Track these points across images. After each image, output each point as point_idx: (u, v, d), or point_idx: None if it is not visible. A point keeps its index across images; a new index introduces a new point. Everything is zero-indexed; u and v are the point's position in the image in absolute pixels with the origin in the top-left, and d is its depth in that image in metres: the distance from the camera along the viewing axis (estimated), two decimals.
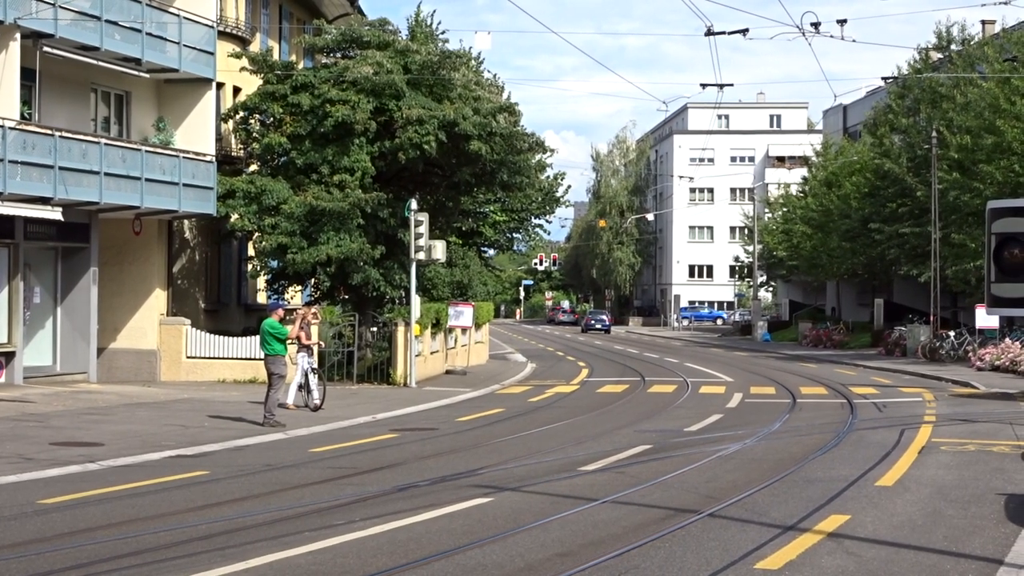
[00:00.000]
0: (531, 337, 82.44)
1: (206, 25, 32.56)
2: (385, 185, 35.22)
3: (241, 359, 32.70)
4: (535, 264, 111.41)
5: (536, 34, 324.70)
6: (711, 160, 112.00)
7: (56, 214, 27.98)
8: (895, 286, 66.49)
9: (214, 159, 32.85)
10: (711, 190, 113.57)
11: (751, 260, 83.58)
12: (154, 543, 11.33)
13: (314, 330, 26.62)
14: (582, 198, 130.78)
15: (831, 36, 27.96)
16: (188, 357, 32.87)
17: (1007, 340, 42.51)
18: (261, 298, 38.85)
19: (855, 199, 59.35)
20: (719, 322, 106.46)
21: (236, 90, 37.43)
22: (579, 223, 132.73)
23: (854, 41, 31.78)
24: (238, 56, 34.95)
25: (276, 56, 38.00)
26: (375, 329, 34.82)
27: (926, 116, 52.79)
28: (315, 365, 25.94)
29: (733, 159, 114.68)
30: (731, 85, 33.77)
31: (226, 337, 33.51)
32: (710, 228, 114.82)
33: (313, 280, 35.44)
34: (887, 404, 28.43)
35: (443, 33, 48.34)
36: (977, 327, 45.45)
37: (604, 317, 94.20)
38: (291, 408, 25.07)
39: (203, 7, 32.72)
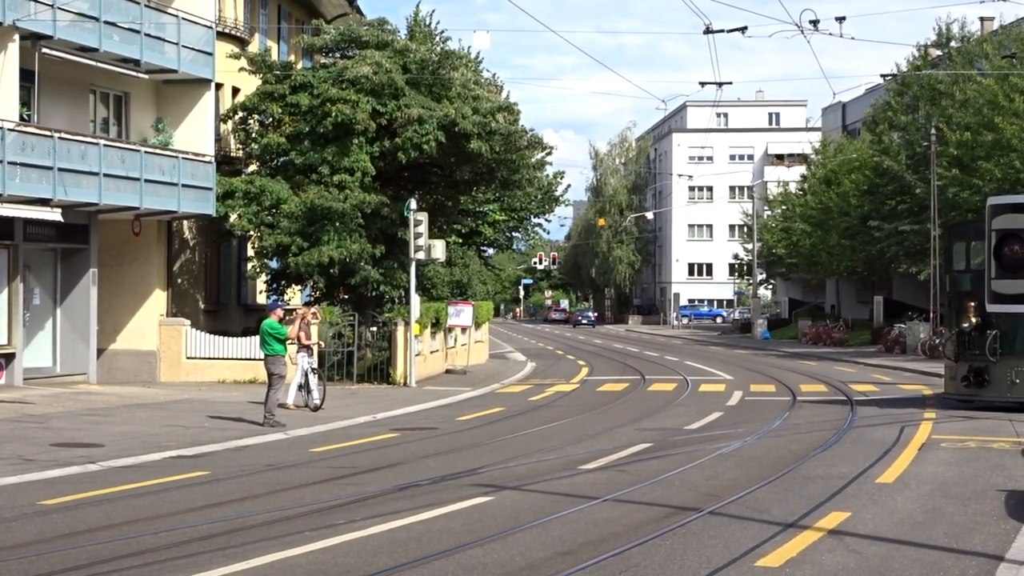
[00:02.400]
0: (530, 336, 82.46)
1: (205, 26, 32.55)
2: (384, 185, 35.24)
3: (241, 359, 32.68)
4: (534, 263, 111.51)
5: (535, 33, 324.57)
6: (710, 158, 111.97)
7: (55, 215, 27.98)
8: (894, 283, 66.47)
9: (213, 160, 32.85)
10: (710, 188, 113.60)
11: (750, 258, 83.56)
12: (155, 544, 11.33)
13: (314, 330, 26.62)
14: (581, 197, 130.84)
15: (830, 34, 28.01)
16: (188, 358, 32.86)
17: None
18: (261, 298, 38.84)
19: (854, 196, 59.33)
20: (718, 320, 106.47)
21: (235, 90, 37.44)
22: (578, 222, 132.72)
23: (853, 39, 31.88)
24: (237, 56, 34.97)
25: (275, 56, 37.99)
26: (375, 329, 34.81)
27: (925, 113, 52.77)
28: (315, 365, 25.94)
29: (732, 157, 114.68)
30: (730, 83, 33.83)
31: (226, 337, 33.50)
32: (709, 226, 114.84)
33: (312, 280, 35.44)
34: (887, 401, 28.42)
35: (442, 32, 48.30)
36: None
37: (589, 314, 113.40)
38: (291, 408, 25.06)
39: (202, 8, 32.72)
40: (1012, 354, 24.70)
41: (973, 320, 25.18)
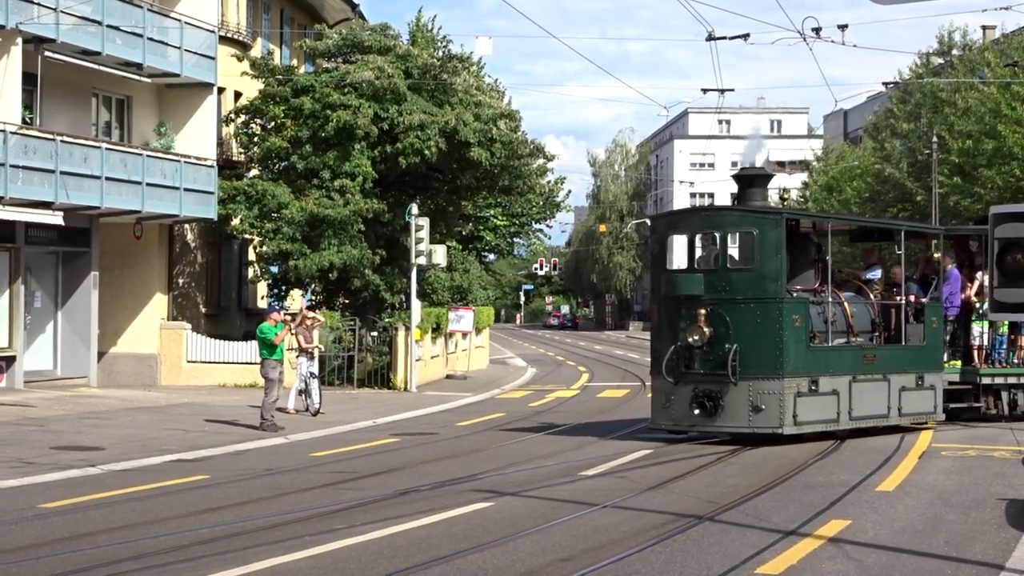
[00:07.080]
0: (530, 341, 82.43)
1: (207, 30, 32.57)
2: (386, 190, 35.26)
3: (241, 363, 32.69)
4: (535, 269, 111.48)
5: (540, 39, 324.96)
6: (711, 165, 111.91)
7: (57, 219, 27.97)
8: None
9: (215, 164, 32.86)
10: (711, 195, 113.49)
11: None
12: (154, 547, 11.32)
13: (315, 334, 26.60)
14: (582, 203, 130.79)
15: (832, 41, 27.96)
16: (188, 361, 32.88)
17: None
18: (262, 302, 38.85)
19: (855, 204, 59.34)
20: None
21: (237, 95, 37.46)
22: (579, 228, 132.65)
23: (855, 46, 31.90)
24: (239, 60, 34.98)
25: (277, 61, 38.03)
26: (375, 334, 34.82)
27: (927, 121, 52.86)
28: (315, 369, 25.91)
29: (734, 164, 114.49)
30: (732, 90, 33.75)
31: (226, 341, 33.52)
32: None
33: (314, 285, 35.46)
34: None
35: (443, 38, 48.31)
36: None
37: (574, 320, 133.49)
38: (291, 412, 25.07)
39: (204, 12, 32.75)
40: (754, 374, 19.67)
41: (706, 332, 19.81)
